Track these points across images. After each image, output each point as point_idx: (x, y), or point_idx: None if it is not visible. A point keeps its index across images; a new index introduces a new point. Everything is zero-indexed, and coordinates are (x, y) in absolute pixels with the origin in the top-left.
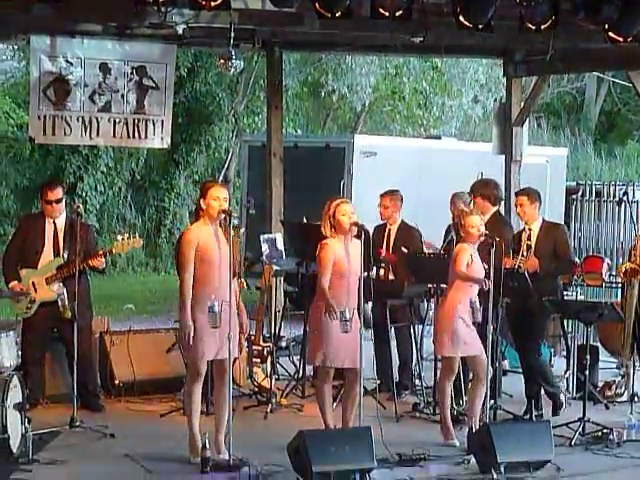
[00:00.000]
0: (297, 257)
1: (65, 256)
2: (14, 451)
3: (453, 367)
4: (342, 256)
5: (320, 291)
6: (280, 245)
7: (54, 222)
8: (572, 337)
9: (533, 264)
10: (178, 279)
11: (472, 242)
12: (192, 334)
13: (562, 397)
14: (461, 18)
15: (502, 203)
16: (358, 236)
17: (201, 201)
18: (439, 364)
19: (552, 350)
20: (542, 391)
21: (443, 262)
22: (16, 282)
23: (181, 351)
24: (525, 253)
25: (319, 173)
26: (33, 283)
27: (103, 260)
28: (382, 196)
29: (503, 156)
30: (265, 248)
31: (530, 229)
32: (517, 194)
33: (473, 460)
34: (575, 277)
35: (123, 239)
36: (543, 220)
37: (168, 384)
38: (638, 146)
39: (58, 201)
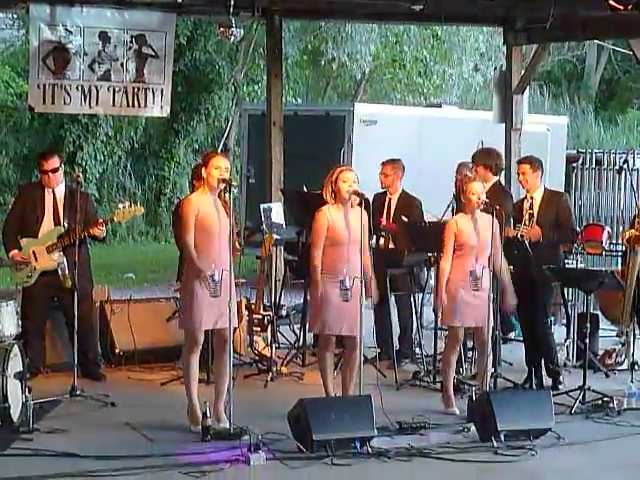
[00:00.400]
0: (297, 226)
1: (65, 225)
2: (15, 420)
3: (458, 337)
4: (340, 224)
5: (310, 260)
6: (279, 215)
7: (53, 191)
8: (572, 305)
9: (536, 233)
10: (177, 248)
11: (470, 210)
12: (208, 280)
13: (562, 377)
14: None
15: (502, 172)
16: (360, 205)
17: (202, 170)
18: (439, 333)
19: (552, 319)
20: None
21: (442, 231)
22: (16, 251)
23: (180, 319)
24: (527, 222)
25: (319, 142)
26: (34, 252)
27: (103, 228)
28: (383, 164)
29: (504, 124)
30: (265, 217)
31: (532, 198)
32: (519, 162)
33: (473, 428)
34: (575, 245)
35: (124, 207)
36: (545, 189)
37: (168, 353)
38: (638, 114)
39: (54, 170)
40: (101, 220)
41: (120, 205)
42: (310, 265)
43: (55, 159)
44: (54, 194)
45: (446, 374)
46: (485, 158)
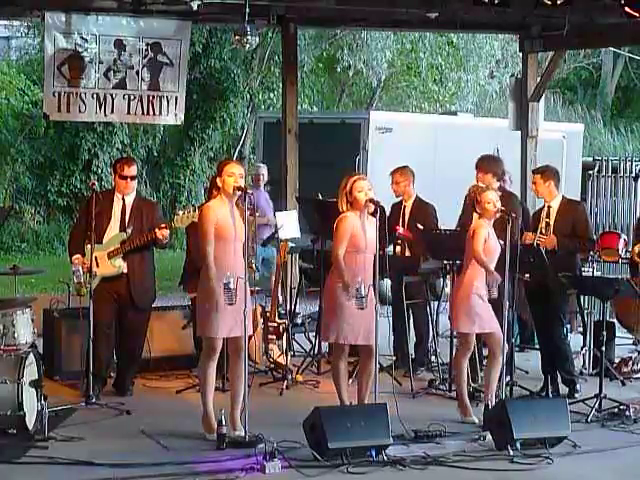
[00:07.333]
0: (312, 234)
1: (129, 231)
2: (30, 428)
3: (469, 343)
4: (359, 232)
5: (334, 261)
6: (293, 223)
7: (123, 199)
8: (588, 313)
9: (552, 242)
10: (186, 254)
11: (488, 218)
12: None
13: (578, 386)
14: None
15: (508, 178)
16: (374, 213)
17: (217, 179)
18: (455, 341)
19: (568, 326)
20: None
21: (459, 239)
22: (79, 255)
23: (194, 328)
24: (544, 230)
25: (334, 149)
26: (96, 258)
27: (167, 232)
28: (392, 173)
29: (519, 132)
30: (280, 224)
31: (549, 206)
32: (533, 172)
33: (489, 436)
34: (591, 253)
35: (184, 213)
36: (563, 197)
37: (184, 361)
38: None
39: (133, 178)
40: (164, 225)
41: (180, 211)
42: (335, 267)
43: (135, 167)
44: (123, 201)
45: (458, 381)
46: (486, 165)
